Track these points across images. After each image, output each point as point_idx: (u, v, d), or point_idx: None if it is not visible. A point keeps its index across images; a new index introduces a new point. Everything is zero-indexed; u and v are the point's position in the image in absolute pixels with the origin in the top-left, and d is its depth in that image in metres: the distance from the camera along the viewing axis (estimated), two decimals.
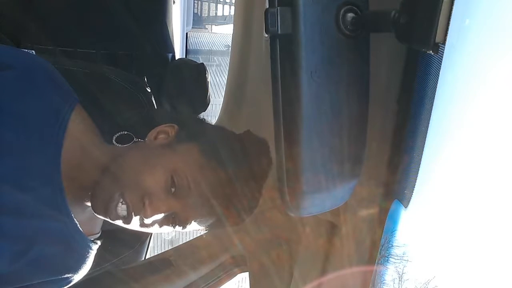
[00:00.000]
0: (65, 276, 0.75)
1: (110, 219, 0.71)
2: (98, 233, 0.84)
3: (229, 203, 0.75)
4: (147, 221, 0.71)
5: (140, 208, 0.69)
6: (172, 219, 0.73)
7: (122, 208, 0.69)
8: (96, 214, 0.72)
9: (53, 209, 0.69)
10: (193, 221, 0.74)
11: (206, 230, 0.80)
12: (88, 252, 0.78)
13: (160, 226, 0.74)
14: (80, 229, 0.74)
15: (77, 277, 0.78)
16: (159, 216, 0.72)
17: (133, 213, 0.70)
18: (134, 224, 0.72)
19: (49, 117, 0.70)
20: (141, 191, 0.70)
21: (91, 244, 0.78)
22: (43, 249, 0.69)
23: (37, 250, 0.68)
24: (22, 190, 0.65)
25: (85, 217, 0.77)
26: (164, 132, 0.79)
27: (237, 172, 0.74)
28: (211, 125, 0.90)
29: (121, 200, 0.69)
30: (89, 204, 0.74)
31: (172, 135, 0.78)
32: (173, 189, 0.71)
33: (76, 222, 0.73)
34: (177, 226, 0.74)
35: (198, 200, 0.72)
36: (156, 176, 0.71)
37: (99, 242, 0.81)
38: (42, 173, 0.68)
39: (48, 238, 0.70)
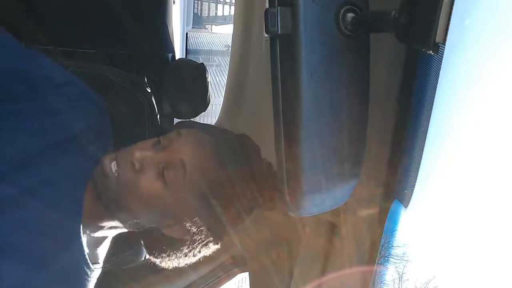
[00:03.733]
0: None
1: (104, 173, 0.71)
2: (99, 263, 0.81)
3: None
4: (138, 165, 0.70)
5: (131, 157, 0.71)
6: (162, 170, 0.71)
7: (113, 164, 0.71)
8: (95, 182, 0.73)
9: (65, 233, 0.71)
10: (181, 166, 0.71)
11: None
12: (88, 281, 0.76)
13: (152, 178, 0.71)
14: (87, 258, 0.74)
15: None
16: (147, 160, 0.71)
17: (123, 161, 0.71)
18: (127, 182, 0.71)
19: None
20: (132, 149, 0.72)
21: (90, 271, 0.76)
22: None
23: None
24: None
25: (91, 243, 0.76)
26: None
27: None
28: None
29: (113, 158, 0.72)
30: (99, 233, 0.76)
31: None
32: (160, 144, 0.73)
33: (85, 250, 0.73)
34: (168, 175, 0.70)
35: (188, 143, 0.73)
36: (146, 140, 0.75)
37: (99, 267, 0.79)
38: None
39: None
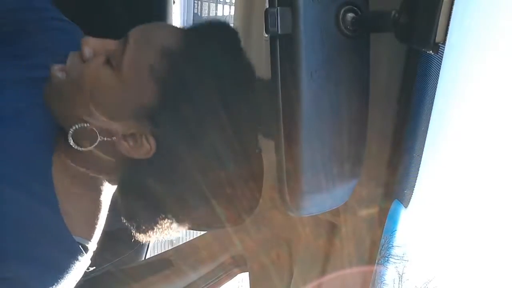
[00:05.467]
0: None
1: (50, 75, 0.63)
2: (90, 240, 0.68)
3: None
4: (86, 52, 0.62)
5: (82, 47, 0.63)
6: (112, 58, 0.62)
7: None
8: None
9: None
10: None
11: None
12: (74, 256, 0.64)
13: (98, 66, 0.61)
14: (66, 224, 0.64)
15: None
16: (98, 50, 0.63)
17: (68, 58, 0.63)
18: (73, 72, 0.62)
19: None
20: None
21: (77, 249, 0.65)
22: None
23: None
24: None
25: (73, 209, 0.66)
26: None
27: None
28: None
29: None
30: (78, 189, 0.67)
31: None
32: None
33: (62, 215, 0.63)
34: (117, 63, 0.61)
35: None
36: None
37: (87, 252, 0.67)
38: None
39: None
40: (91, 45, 0.63)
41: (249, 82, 0.65)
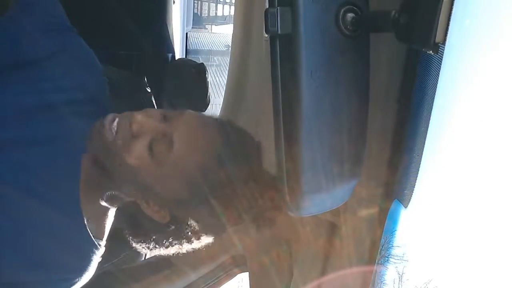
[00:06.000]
0: (66, 276, 0.75)
1: (100, 131, 0.68)
2: (103, 236, 0.80)
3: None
4: (135, 130, 0.67)
5: (131, 122, 0.68)
6: (151, 142, 0.68)
7: (114, 124, 0.69)
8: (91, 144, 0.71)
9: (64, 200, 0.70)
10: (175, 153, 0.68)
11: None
12: (92, 254, 0.76)
13: (142, 147, 0.68)
14: (88, 229, 0.73)
15: (80, 280, 0.75)
16: (146, 128, 0.68)
17: (123, 124, 0.68)
18: (120, 144, 0.68)
19: None
20: (134, 115, 0.70)
21: (95, 247, 0.76)
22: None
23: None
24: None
25: (93, 216, 0.75)
26: None
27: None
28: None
29: (115, 119, 0.70)
30: (100, 202, 0.75)
31: None
32: (165, 119, 0.71)
33: (85, 221, 0.72)
34: (159, 149, 0.67)
35: (189, 133, 0.70)
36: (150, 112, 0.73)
37: (102, 247, 0.78)
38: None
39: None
40: (139, 122, 0.69)
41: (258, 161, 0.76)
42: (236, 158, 0.71)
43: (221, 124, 0.75)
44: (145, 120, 0.69)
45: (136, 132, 0.68)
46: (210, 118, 0.77)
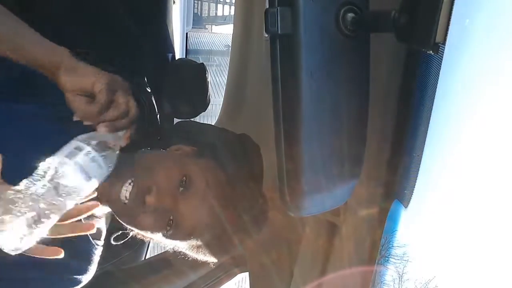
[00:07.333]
0: (66, 277, 0.75)
1: (111, 198, 0.70)
2: (100, 237, 0.83)
3: (240, 220, 0.77)
4: (148, 209, 0.70)
5: (145, 193, 0.69)
6: (169, 221, 0.72)
7: (127, 189, 0.70)
8: (100, 200, 0.72)
9: None
10: (188, 230, 0.73)
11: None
12: (92, 254, 0.78)
13: (155, 225, 0.72)
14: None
15: (82, 279, 0.78)
16: (159, 209, 0.71)
17: (136, 195, 0.69)
18: (130, 213, 0.71)
19: None
20: (152, 181, 0.71)
21: (94, 246, 0.78)
22: None
23: None
24: None
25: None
26: (184, 149, 0.83)
27: (251, 187, 0.78)
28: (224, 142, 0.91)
29: (130, 182, 0.70)
30: None
31: (191, 153, 0.82)
32: (181, 189, 0.72)
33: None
34: (171, 231, 0.72)
35: (203, 207, 0.72)
36: (170, 172, 0.73)
37: (100, 245, 0.81)
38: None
39: None
40: (156, 197, 0.70)
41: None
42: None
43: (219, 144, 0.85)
44: (160, 200, 0.71)
45: (151, 211, 0.71)
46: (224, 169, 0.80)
